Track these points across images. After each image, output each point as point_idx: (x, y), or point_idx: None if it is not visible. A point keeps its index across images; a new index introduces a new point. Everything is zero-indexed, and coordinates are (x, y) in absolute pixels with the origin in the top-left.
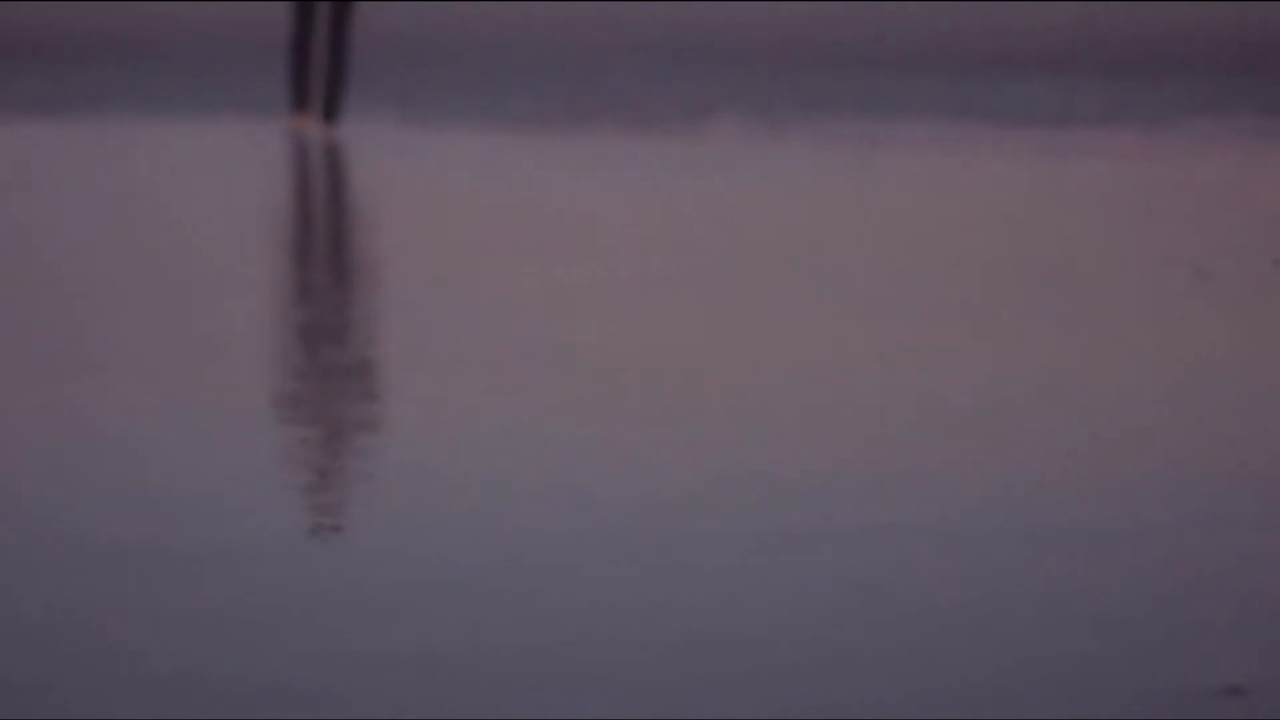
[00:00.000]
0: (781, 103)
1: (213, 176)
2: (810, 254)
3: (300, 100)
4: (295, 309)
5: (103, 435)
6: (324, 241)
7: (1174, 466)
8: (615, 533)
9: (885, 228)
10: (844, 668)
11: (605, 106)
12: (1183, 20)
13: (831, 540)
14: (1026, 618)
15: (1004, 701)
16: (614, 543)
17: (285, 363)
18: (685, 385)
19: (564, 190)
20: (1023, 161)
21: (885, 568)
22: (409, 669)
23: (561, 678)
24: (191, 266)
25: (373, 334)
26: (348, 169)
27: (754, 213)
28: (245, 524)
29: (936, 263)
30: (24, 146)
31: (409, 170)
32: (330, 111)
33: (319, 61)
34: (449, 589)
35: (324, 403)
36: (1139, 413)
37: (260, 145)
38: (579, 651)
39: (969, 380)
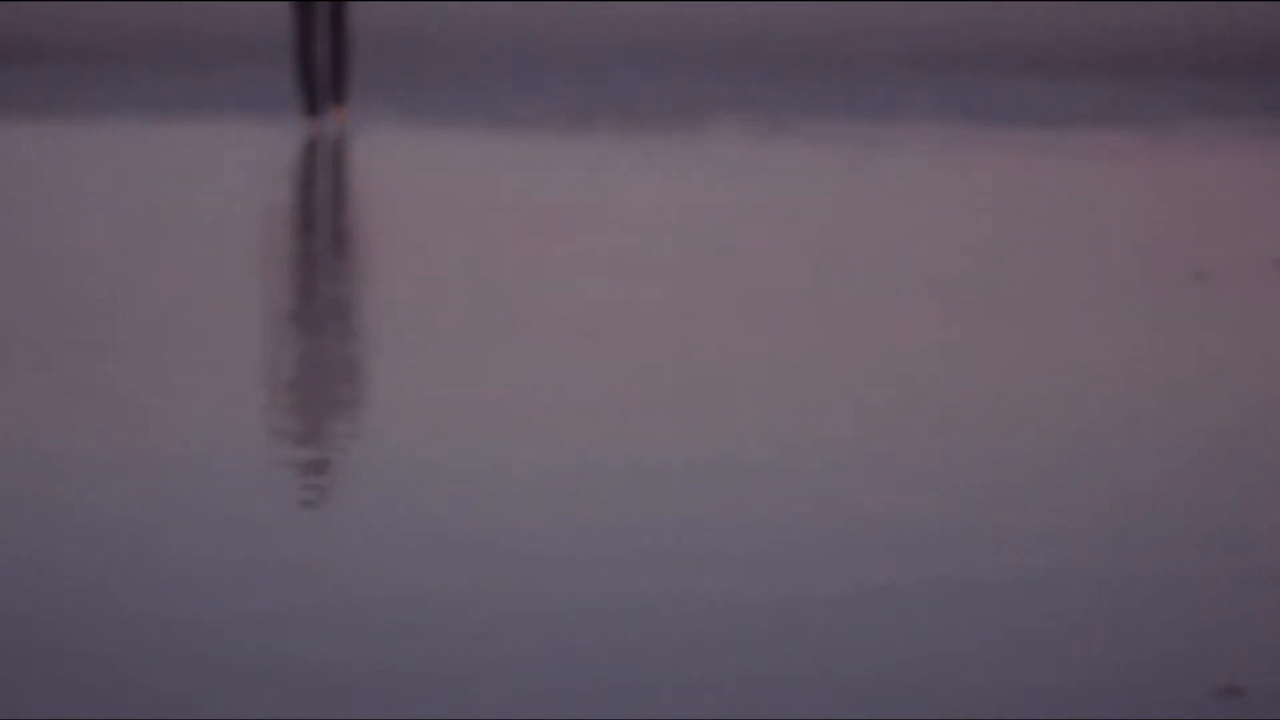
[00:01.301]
0: (781, 104)
1: (218, 178)
2: (808, 257)
3: (311, 105)
4: (293, 313)
5: (109, 412)
6: (325, 243)
7: (1172, 471)
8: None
9: (883, 230)
10: (844, 669)
11: (605, 107)
12: (1182, 21)
13: (824, 542)
14: (1026, 619)
15: (1004, 701)
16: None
17: (280, 361)
18: (683, 387)
19: (563, 192)
20: (1022, 163)
21: (889, 577)
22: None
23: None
24: (193, 268)
25: (375, 333)
26: (349, 171)
27: (751, 214)
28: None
29: (932, 265)
30: (25, 149)
31: (409, 171)
32: (339, 96)
33: (323, 60)
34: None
35: (318, 405)
36: (1138, 418)
37: (263, 147)
38: (584, 664)
39: (962, 385)
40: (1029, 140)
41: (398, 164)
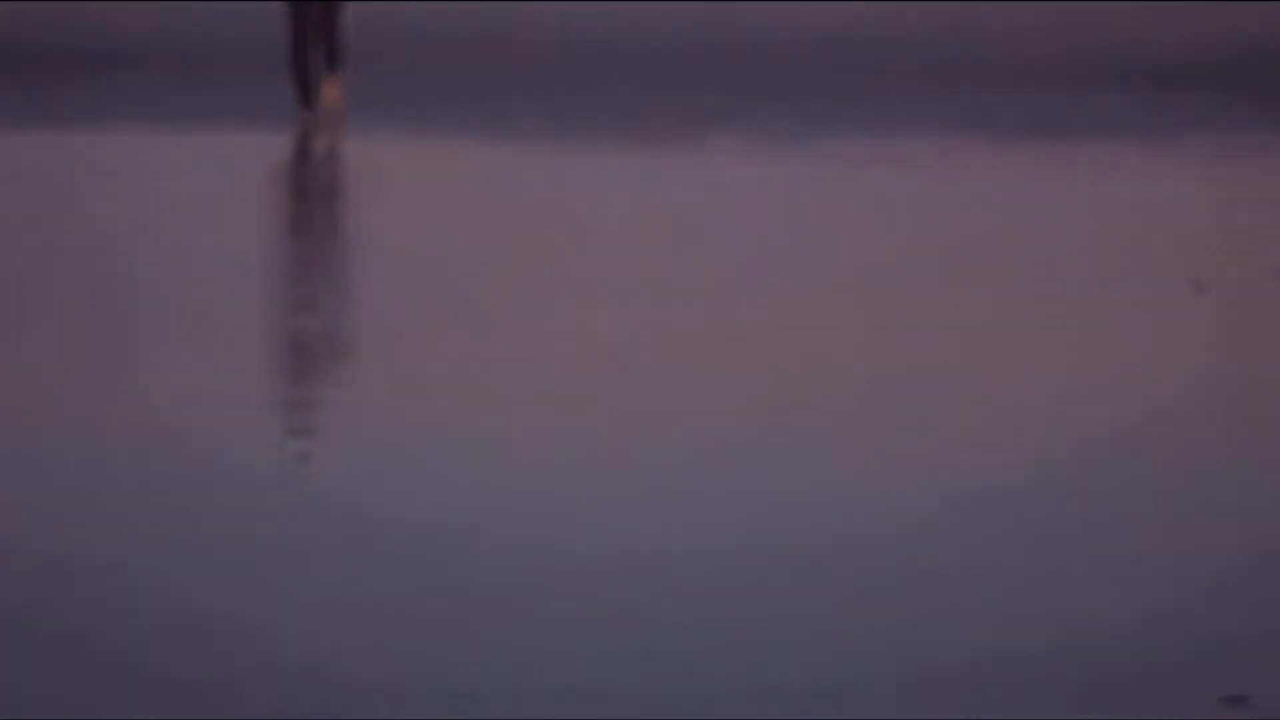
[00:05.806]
0: (782, 115)
1: (217, 186)
2: (806, 265)
3: (306, 100)
4: (295, 319)
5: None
6: (323, 250)
7: (1176, 477)
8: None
9: (882, 242)
10: (848, 670)
11: (607, 117)
12: (1184, 30)
13: (815, 538)
14: (1030, 623)
15: (1007, 705)
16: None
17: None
18: (684, 391)
19: (563, 200)
20: (1023, 175)
21: (891, 575)
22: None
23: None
24: (196, 275)
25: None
26: (348, 177)
27: (750, 224)
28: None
29: (931, 272)
30: (27, 154)
31: (407, 178)
32: (333, 63)
33: (317, 59)
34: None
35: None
36: (1139, 423)
37: (262, 153)
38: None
39: (962, 389)
40: (1030, 153)
41: (395, 171)
